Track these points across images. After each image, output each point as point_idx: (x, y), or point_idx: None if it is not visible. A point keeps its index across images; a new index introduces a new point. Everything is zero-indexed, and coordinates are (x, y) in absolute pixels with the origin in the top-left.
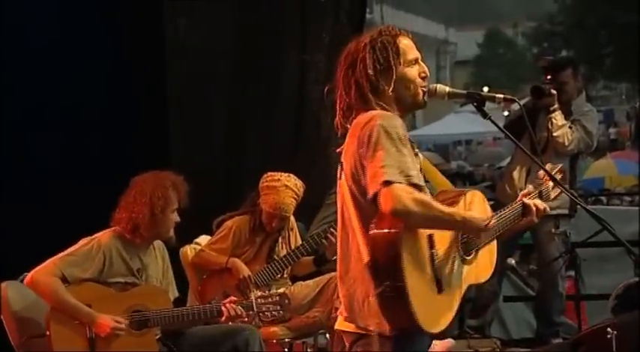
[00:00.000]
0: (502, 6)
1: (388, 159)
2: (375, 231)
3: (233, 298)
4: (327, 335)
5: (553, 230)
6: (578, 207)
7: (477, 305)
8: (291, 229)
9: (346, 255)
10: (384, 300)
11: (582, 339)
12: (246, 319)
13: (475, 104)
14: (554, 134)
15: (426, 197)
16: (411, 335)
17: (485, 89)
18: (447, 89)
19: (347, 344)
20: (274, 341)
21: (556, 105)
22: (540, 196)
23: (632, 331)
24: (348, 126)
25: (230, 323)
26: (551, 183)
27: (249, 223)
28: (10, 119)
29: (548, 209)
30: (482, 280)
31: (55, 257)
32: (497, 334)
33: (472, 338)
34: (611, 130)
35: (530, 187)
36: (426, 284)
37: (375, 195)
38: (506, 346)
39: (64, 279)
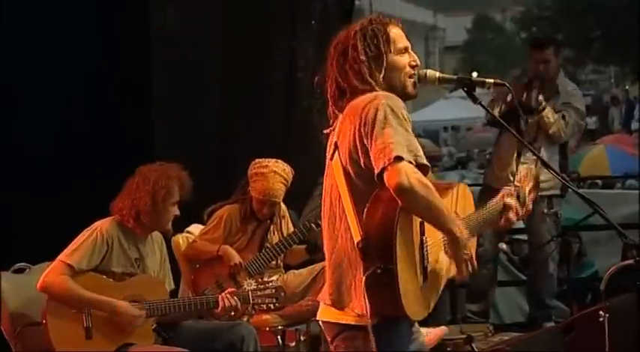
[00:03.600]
0: None
1: (397, 136)
2: (370, 210)
3: (231, 289)
4: (320, 323)
5: (545, 210)
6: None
7: (476, 290)
8: (283, 217)
9: (332, 237)
10: (372, 283)
11: (574, 323)
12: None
13: (465, 89)
14: (550, 132)
15: (430, 183)
16: (393, 323)
17: (474, 74)
18: (438, 74)
19: (328, 337)
20: (267, 328)
21: (544, 104)
22: (518, 199)
23: (625, 314)
24: (340, 113)
25: (226, 315)
26: (527, 188)
27: (239, 212)
28: None
29: (524, 212)
30: (461, 275)
31: (61, 255)
32: (483, 318)
33: (465, 323)
34: (589, 120)
35: (511, 188)
36: (414, 270)
37: (382, 170)
38: (498, 330)
39: (76, 273)
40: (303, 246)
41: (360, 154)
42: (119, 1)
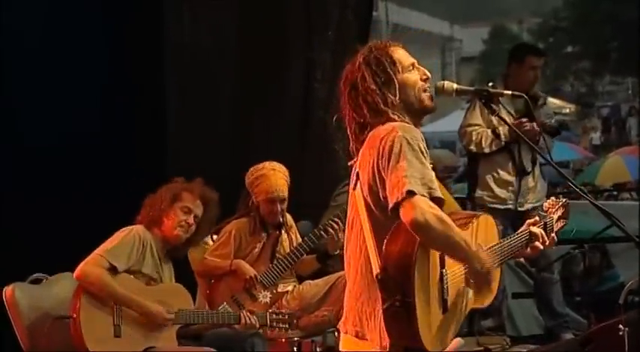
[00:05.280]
0: (507, 2)
1: (411, 169)
2: (390, 243)
3: (252, 309)
4: (336, 334)
5: None
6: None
7: (493, 308)
8: (290, 226)
9: (353, 267)
10: (390, 315)
11: (592, 336)
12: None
13: (483, 101)
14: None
15: (447, 217)
16: None
17: (491, 85)
18: (455, 86)
19: None
20: (283, 340)
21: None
22: (545, 227)
23: None
24: (361, 147)
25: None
26: (555, 216)
27: (248, 225)
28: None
29: (550, 241)
30: (485, 305)
31: (99, 248)
32: (501, 332)
33: (481, 336)
34: (593, 136)
35: (536, 218)
36: (432, 303)
37: (396, 205)
38: (515, 343)
39: (113, 269)
40: (314, 256)
41: (379, 186)
42: (135, 10)
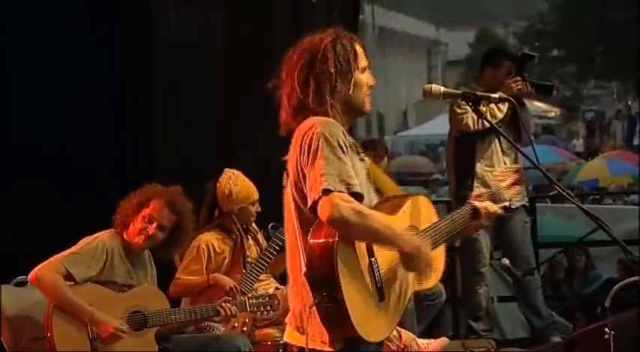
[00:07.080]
0: (493, 6)
1: (328, 167)
2: (311, 240)
3: (227, 298)
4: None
5: (526, 220)
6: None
7: (478, 308)
8: (256, 232)
9: (292, 263)
10: (322, 311)
11: (577, 339)
12: (245, 328)
13: (470, 104)
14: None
15: (365, 208)
16: (355, 347)
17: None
18: (443, 89)
19: None
20: (269, 342)
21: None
22: (493, 198)
23: (629, 330)
24: (294, 126)
25: (223, 328)
26: (503, 184)
27: (214, 236)
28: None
29: (499, 211)
30: (427, 286)
31: (59, 254)
32: (491, 334)
33: (467, 339)
34: (575, 142)
35: (482, 189)
36: (365, 292)
37: (315, 204)
38: (501, 346)
39: (69, 277)
40: (284, 253)
41: (302, 183)
42: (120, 9)
